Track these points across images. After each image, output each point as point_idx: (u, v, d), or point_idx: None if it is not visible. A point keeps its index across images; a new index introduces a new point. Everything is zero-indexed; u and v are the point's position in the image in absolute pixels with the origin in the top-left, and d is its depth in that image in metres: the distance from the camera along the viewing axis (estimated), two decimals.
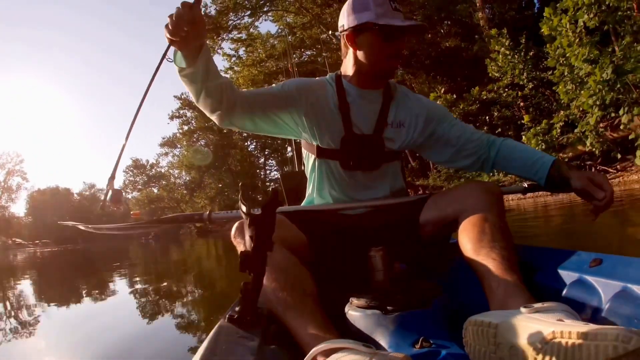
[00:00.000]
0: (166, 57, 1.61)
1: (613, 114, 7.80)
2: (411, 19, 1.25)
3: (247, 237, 0.86)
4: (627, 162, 8.34)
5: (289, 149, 37.46)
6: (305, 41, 21.86)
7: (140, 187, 47.87)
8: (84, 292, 4.96)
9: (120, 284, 5.30)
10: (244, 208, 0.89)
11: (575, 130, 8.25)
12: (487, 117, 14.66)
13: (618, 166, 8.94)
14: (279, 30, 22.68)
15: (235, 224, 1.16)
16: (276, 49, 22.42)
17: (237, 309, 0.89)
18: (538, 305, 0.75)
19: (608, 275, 0.90)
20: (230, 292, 3.70)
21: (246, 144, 37.73)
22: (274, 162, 39.57)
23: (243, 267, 0.83)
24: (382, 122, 1.36)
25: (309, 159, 1.46)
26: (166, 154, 43.18)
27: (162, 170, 45.82)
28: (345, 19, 1.30)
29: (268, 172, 39.76)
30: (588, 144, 7.96)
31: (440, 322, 0.94)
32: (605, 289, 0.89)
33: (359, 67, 1.33)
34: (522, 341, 0.68)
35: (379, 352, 0.71)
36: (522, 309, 0.75)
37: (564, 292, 0.98)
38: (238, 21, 20.72)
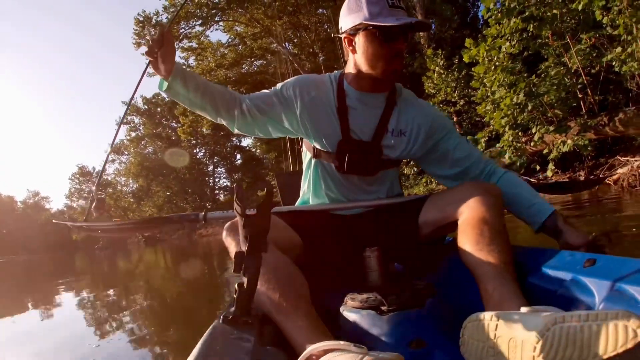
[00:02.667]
0: (146, 72, 1.80)
1: (534, 130, 8.74)
2: (411, 16, 1.19)
3: (242, 238, 0.86)
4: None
5: (238, 156, 37.33)
6: (255, 51, 22.18)
7: (86, 195, 46.11)
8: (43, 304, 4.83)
9: (77, 299, 4.98)
10: (238, 208, 0.86)
11: (497, 145, 9.15)
12: None
13: (540, 176, 9.98)
14: (230, 40, 22.84)
15: (227, 224, 1.14)
16: (226, 59, 22.58)
17: (231, 309, 0.88)
18: (536, 307, 0.77)
19: (602, 275, 0.89)
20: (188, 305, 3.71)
21: (195, 151, 37.19)
22: (223, 169, 39.17)
23: (238, 268, 0.82)
24: (382, 129, 1.30)
25: (307, 156, 1.43)
26: (113, 160, 41.83)
27: (109, 178, 44.25)
28: (343, 21, 1.26)
29: (217, 179, 39.30)
30: (507, 157, 8.89)
31: (434, 322, 0.96)
32: (599, 288, 0.88)
33: (358, 70, 1.28)
34: (523, 332, 0.69)
35: (370, 352, 0.71)
36: (523, 309, 0.77)
37: (558, 292, 0.97)
38: (189, 30, 20.71)
